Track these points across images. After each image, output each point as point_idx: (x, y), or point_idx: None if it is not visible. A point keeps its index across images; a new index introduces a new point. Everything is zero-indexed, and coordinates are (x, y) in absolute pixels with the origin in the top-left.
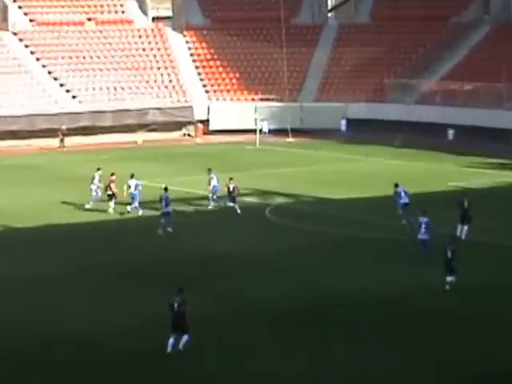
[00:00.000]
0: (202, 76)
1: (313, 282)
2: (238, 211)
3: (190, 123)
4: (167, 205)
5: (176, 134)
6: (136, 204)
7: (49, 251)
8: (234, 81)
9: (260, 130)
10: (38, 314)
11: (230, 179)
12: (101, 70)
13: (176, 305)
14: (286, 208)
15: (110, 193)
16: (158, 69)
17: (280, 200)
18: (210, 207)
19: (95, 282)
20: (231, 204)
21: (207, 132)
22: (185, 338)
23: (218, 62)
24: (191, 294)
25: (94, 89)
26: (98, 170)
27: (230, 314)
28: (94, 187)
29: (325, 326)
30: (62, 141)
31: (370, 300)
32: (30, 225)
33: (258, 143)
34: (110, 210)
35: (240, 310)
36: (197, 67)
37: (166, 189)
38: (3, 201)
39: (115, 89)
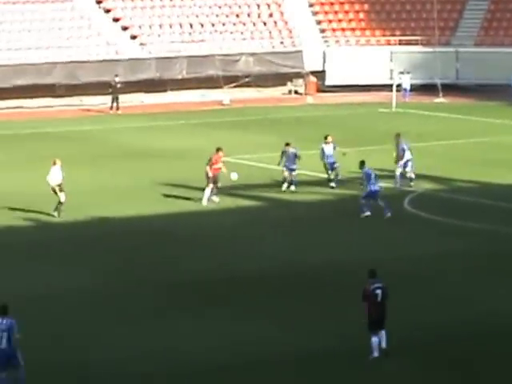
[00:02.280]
0: (316, 8)
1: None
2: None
3: (298, 76)
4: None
5: (278, 91)
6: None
7: (102, 256)
8: (361, 16)
9: (398, 86)
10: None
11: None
12: None
13: (380, 292)
14: (435, 197)
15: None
16: None
17: (426, 186)
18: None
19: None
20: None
21: (322, 88)
22: (383, 333)
23: None
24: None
25: (161, 26)
26: (287, 145)
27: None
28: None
29: None
30: (114, 100)
31: None
32: (74, 219)
33: (394, 105)
34: (213, 199)
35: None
36: None
37: (362, 163)
38: (36, 187)
39: (191, 26)
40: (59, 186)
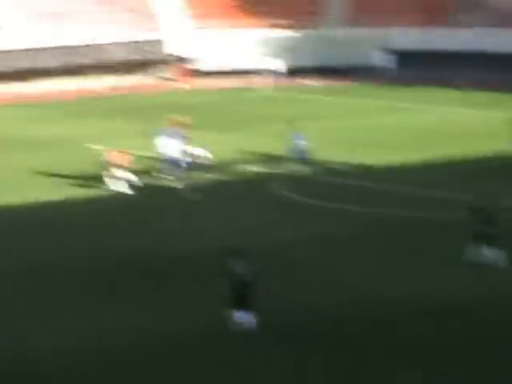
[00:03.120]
0: None
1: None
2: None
3: (161, 62)
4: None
5: (146, 79)
6: None
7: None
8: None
9: (270, 71)
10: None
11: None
12: None
13: (240, 272)
14: (303, 179)
15: None
16: None
17: (295, 168)
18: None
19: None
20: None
21: (195, 74)
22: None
23: None
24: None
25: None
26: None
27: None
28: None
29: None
30: None
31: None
32: None
33: (267, 88)
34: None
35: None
36: None
37: None
38: None
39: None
40: None
